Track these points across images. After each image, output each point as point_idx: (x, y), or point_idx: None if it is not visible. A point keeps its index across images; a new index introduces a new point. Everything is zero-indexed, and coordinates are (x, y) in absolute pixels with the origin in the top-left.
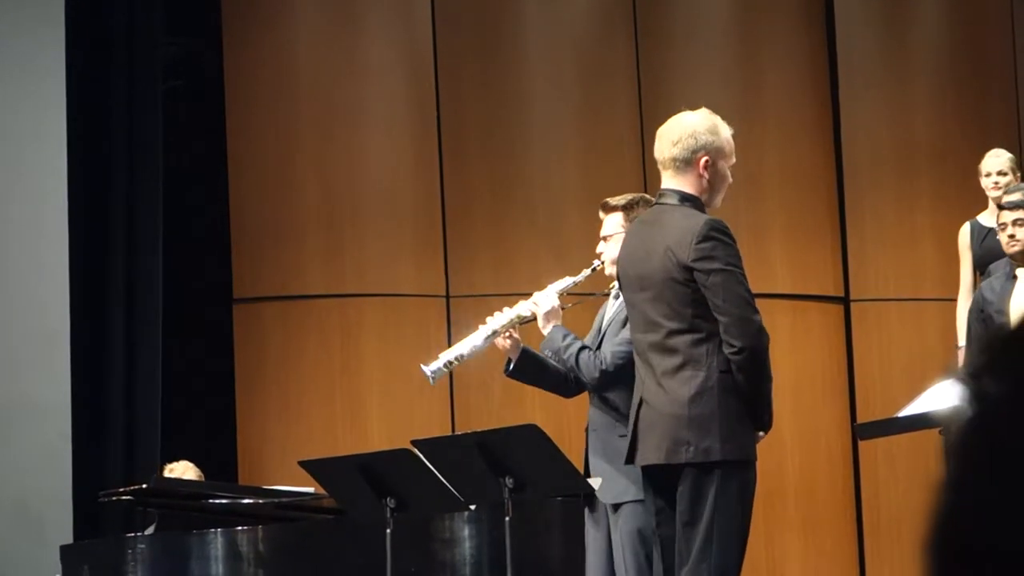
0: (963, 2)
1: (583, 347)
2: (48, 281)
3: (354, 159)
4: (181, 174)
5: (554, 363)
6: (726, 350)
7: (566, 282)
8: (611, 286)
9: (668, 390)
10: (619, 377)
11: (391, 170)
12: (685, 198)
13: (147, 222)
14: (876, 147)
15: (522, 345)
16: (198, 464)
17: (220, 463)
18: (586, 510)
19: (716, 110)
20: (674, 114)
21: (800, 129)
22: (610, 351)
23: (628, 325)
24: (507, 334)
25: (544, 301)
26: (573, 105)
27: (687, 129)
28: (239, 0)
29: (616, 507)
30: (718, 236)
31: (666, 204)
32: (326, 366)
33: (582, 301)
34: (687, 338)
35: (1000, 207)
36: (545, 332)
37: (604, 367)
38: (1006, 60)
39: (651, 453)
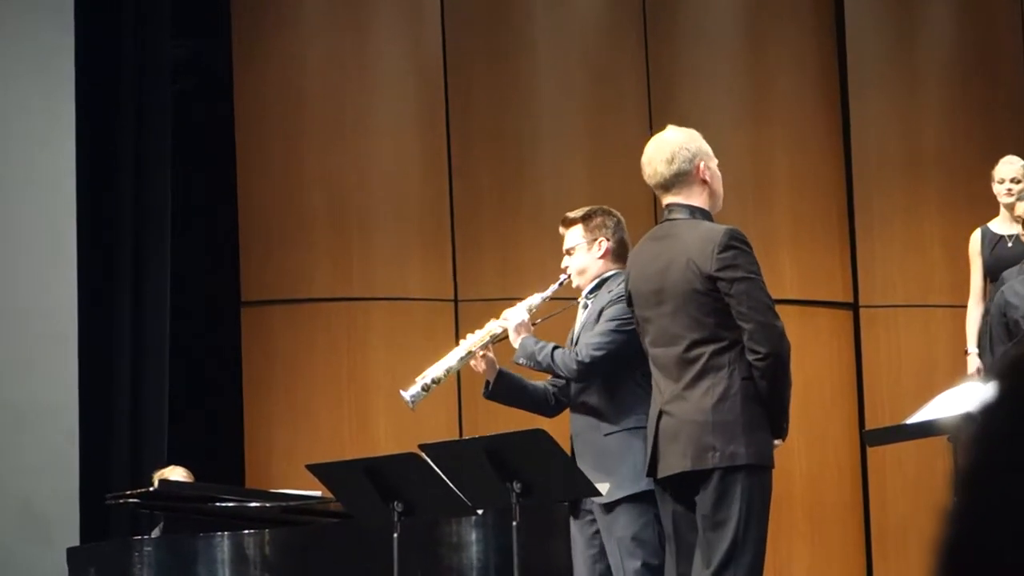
0: (973, 7)
1: (556, 346)
2: (56, 283)
3: (362, 162)
4: (190, 177)
5: (532, 383)
6: (750, 357)
7: (536, 298)
8: (579, 297)
9: (690, 399)
10: (597, 368)
11: (399, 173)
12: (695, 211)
13: (156, 225)
14: (885, 152)
15: (499, 367)
16: (204, 466)
17: (227, 466)
18: (571, 518)
19: (724, 114)
20: (683, 117)
21: (809, 133)
22: (584, 343)
23: (602, 321)
24: (482, 354)
25: (514, 316)
26: (582, 108)
27: (674, 145)
28: (248, 2)
29: (608, 508)
30: (738, 245)
31: (677, 219)
32: (334, 369)
33: (560, 311)
34: (709, 348)
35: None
36: (516, 345)
37: (580, 358)
38: (1016, 66)
39: (676, 461)
